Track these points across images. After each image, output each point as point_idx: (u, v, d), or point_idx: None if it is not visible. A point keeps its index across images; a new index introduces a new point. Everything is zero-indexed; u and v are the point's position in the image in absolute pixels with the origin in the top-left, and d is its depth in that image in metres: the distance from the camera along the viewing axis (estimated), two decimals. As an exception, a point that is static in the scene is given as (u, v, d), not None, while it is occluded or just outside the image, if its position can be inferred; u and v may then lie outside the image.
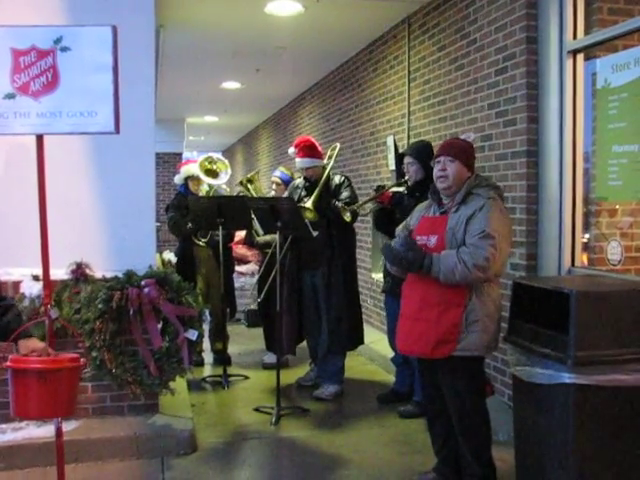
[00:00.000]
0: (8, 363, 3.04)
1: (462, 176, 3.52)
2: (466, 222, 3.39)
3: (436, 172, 3.58)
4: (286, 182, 6.31)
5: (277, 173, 6.49)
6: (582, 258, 4.44)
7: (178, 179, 6.55)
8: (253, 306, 8.25)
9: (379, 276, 5.81)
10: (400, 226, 3.92)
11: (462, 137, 3.93)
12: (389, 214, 5.01)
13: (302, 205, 5.24)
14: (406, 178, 4.88)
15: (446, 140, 3.92)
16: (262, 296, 5.85)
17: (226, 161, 6.61)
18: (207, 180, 6.36)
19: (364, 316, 5.86)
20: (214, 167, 6.45)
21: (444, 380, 3.54)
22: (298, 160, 5.49)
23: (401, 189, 5.00)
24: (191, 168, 6.42)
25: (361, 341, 5.71)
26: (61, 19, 4.37)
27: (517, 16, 4.60)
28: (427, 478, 3.82)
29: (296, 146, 5.53)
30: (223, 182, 6.55)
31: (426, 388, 3.78)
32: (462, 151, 3.56)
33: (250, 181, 6.80)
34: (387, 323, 5.40)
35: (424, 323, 3.43)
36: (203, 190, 6.48)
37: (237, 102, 11.99)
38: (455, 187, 3.52)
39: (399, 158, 5.15)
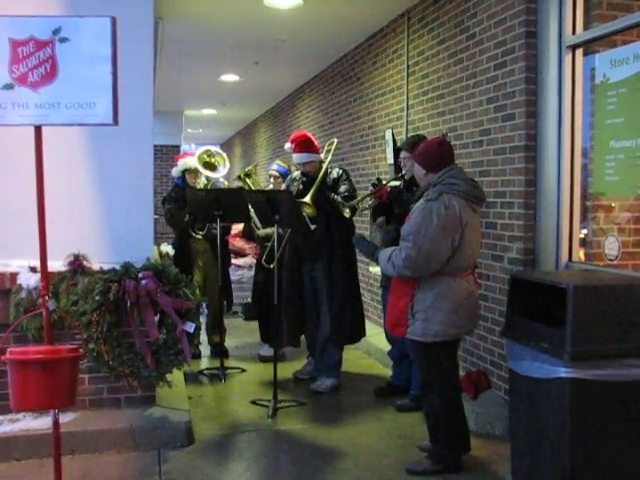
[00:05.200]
0: (7, 355, 3.04)
1: (418, 175, 3.94)
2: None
3: None
4: (283, 175, 6.31)
5: (274, 166, 6.49)
6: (579, 253, 4.45)
7: (175, 172, 6.53)
8: (250, 299, 8.25)
9: (376, 269, 5.80)
10: None
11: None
12: (387, 208, 5.02)
13: (301, 200, 5.24)
14: (403, 172, 4.89)
15: None
16: (275, 263, 5.53)
17: (224, 155, 6.60)
18: (205, 173, 6.35)
19: (361, 309, 5.86)
20: (212, 160, 6.44)
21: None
22: (295, 155, 5.48)
23: (397, 183, 5.01)
24: (189, 161, 6.40)
25: (363, 334, 5.72)
26: (60, 10, 4.35)
27: (516, 10, 4.59)
28: (429, 445, 4.05)
29: (292, 141, 5.52)
30: (221, 175, 6.54)
31: None
32: (417, 153, 3.95)
33: (248, 175, 6.79)
34: (384, 317, 5.40)
35: (389, 306, 3.99)
36: (201, 183, 6.47)
37: (235, 95, 11.96)
38: (420, 183, 3.96)
39: (396, 152, 5.15)
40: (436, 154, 3.83)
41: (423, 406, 4.03)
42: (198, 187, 6.38)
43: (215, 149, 6.67)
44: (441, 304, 3.71)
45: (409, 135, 6.30)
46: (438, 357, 3.82)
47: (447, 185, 3.70)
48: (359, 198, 5.29)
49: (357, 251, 4.62)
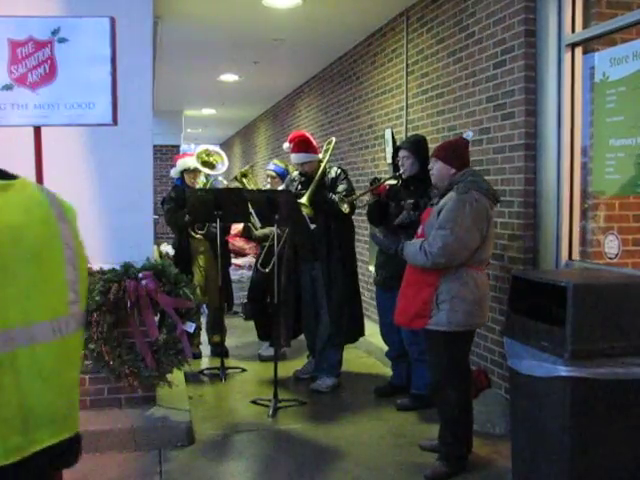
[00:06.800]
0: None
1: (444, 174, 3.95)
2: (437, 214, 3.81)
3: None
4: (281, 174, 6.31)
5: (271, 166, 6.50)
6: (579, 251, 4.45)
7: (174, 172, 6.55)
8: (246, 298, 8.25)
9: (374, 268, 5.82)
10: None
11: (463, 136, 4.13)
12: (383, 207, 5.02)
13: (298, 201, 5.23)
14: (401, 171, 4.89)
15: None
16: (274, 260, 5.52)
17: (223, 153, 6.64)
18: (205, 170, 6.38)
19: (361, 309, 5.87)
20: (211, 159, 6.49)
21: (427, 353, 4.04)
22: (293, 155, 5.48)
23: (395, 182, 5.00)
24: (187, 161, 6.43)
25: (362, 333, 5.73)
26: (59, 10, 4.35)
27: (516, 9, 4.59)
28: (430, 444, 4.13)
29: (291, 141, 5.52)
30: (220, 172, 6.57)
31: None
32: (444, 152, 4.01)
33: (244, 175, 6.82)
34: (379, 316, 5.41)
35: (406, 299, 3.97)
36: (200, 182, 6.48)
37: (235, 95, 11.96)
38: (440, 183, 3.98)
39: (395, 151, 5.15)
40: (464, 154, 4.02)
41: (437, 401, 4.00)
42: (197, 187, 6.39)
43: (214, 148, 6.71)
44: (466, 294, 3.78)
45: (409, 134, 6.30)
46: (458, 349, 3.90)
47: (472, 183, 3.84)
48: (357, 194, 5.28)
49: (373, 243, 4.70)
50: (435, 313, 3.79)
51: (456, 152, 3.99)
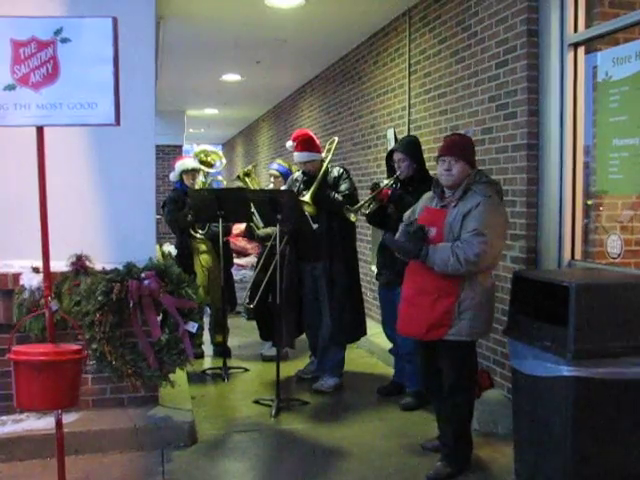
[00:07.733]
0: (11, 355, 3.05)
1: (465, 174, 3.75)
2: (462, 218, 3.62)
3: (441, 170, 3.81)
4: (284, 174, 6.32)
5: (274, 166, 6.52)
6: (582, 251, 4.44)
7: (173, 176, 6.56)
8: (248, 298, 8.25)
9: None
10: (406, 213, 4.13)
11: (462, 131, 3.99)
12: (382, 208, 4.98)
13: (300, 199, 5.23)
14: (397, 174, 4.87)
15: (449, 137, 4.08)
16: (255, 302, 5.82)
17: (220, 152, 6.73)
18: (203, 168, 6.45)
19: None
20: (209, 159, 6.57)
21: (441, 360, 3.83)
22: (296, 154, 5.48)
23: (390, 182, 4.94)
24: (186, 162, 6.47)
25: (363, 332, 5.72)
26: (61, 10, 4.35)
27: (518, 9, 4.59)
28: (432, 444, 4.14)
29: (294, 140, 5.52)
30: (219, 169, 6.64)
31: (423, 367, 4.03)
32: (465, 150, 3.80)
33: (247, 174, 6.84)
34: (382, 314, 5.40)
35: (419, 308, 3.74)
36: (199, 182, 6.50)
37: (237, 94, 11.97)
38: (457, 184, 3.76)
39: (388, 154, 5.10)
40: (474, 150, 3.91)
41: (446, 406, 3.86)
42: (197, 187, 6.41)
43: (211, 148, 6.79)
44: (488, 301, 3.73)
45: (405, 135, 6.28)
46: (472, 356, 3.85)
47: (489, 184, 3.76)
48: (362, 203, 5.21)
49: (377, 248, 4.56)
50: (456, 322, 3.63)
51: (472, 151, 3.87)
